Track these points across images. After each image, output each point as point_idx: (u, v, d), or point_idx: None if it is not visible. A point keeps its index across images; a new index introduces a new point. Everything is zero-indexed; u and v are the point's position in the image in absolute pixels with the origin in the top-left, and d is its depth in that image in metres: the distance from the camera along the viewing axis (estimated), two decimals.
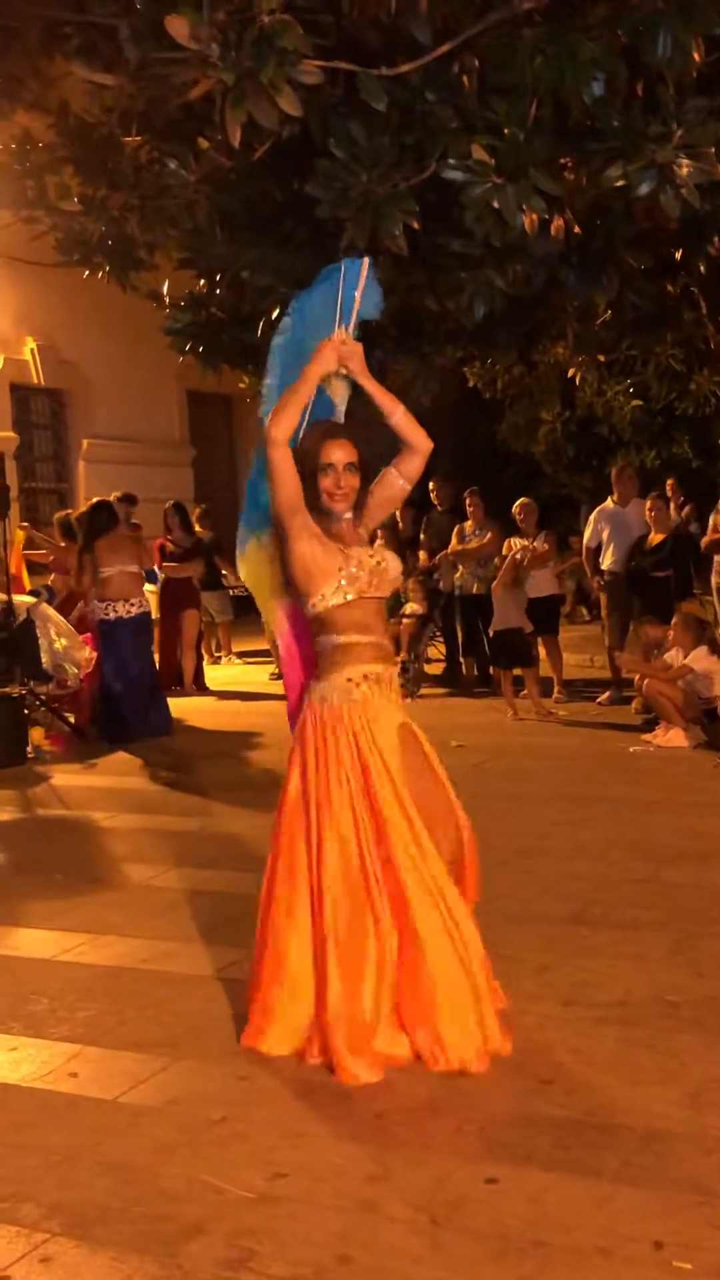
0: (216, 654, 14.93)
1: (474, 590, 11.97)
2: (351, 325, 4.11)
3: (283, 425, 3.90)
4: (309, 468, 3.98)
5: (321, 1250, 2.87)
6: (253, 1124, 3.53)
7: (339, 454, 3.97)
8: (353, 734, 3.92)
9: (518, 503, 11.44)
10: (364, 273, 4.19)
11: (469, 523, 12.13)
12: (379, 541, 4.29)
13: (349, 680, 3.95)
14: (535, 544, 10.99)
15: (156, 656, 11.42)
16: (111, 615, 10.15)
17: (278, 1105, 3.65)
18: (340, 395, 4.22)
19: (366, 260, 4.25)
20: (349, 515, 4.04)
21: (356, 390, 4.16)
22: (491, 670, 11.32)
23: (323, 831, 3.88)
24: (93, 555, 10.17)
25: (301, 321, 4.26)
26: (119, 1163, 3.34)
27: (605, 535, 11.09)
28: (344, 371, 4.08)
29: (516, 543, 11.11)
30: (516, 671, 10.57)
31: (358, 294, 4.13)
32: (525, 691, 10.52)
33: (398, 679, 4.17)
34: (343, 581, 3.91)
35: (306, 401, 3.99)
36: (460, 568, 12.11)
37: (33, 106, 8.58)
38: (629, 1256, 2.80)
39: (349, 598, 3.93)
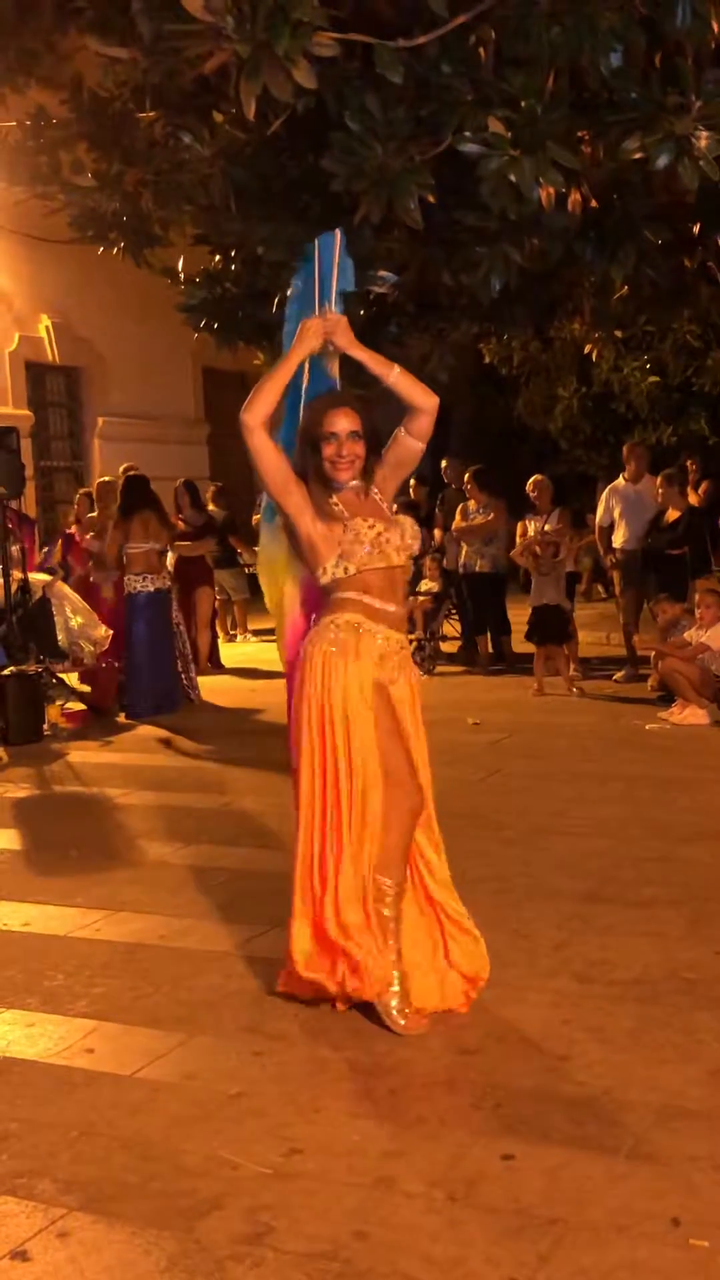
0: (232, 632, 14.93)
1: (478, 568, 11.93)
2: (331, 301, 4.12)
3: (255, 410, 3.92)
4: (312, 438, 3.97)
5: (338, 1226, 2.87)
6: (269, 1100, 3.53)
7: (342, 422, 3.95)
8: (320, 702, 3.94)
9: (532, 479, 11.39)
10: (337, 246, 4.21)
11: (471, 502, 12.09)
12: (393, 509, 4.21)
13: (333, 624, 3.97)
14: (548, 527, 10.95)
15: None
16: (138, 589, 10.22)
17: (293, 1081, 3.65)
18: (338, 371, 4.22)
19: (338, 232, 4.26)
20: (356, 483, 4.01)
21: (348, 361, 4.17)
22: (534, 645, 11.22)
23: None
24: (126, 527, 10.24)
25: (295, 309, 4.32)
26: (136, 1138, 3.34)
27: (617, 513, 11.04)
28: (332, 348, 4.06)
29: (531, 523, 11.07)
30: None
31: (335, 269, 4.16)
32: (559, 667, 10.52)
33: (405, 647, 4.15)
34: (340, 555, 3.91)
35: (282, 385, 4.00)
36: (464, 546, 12.08)
37: (46, 82, 8.55)
38: (646, 1233, 2.79)
39: (350, 571, 3.92)
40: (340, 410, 3.98)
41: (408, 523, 4.09)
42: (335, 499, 3.98)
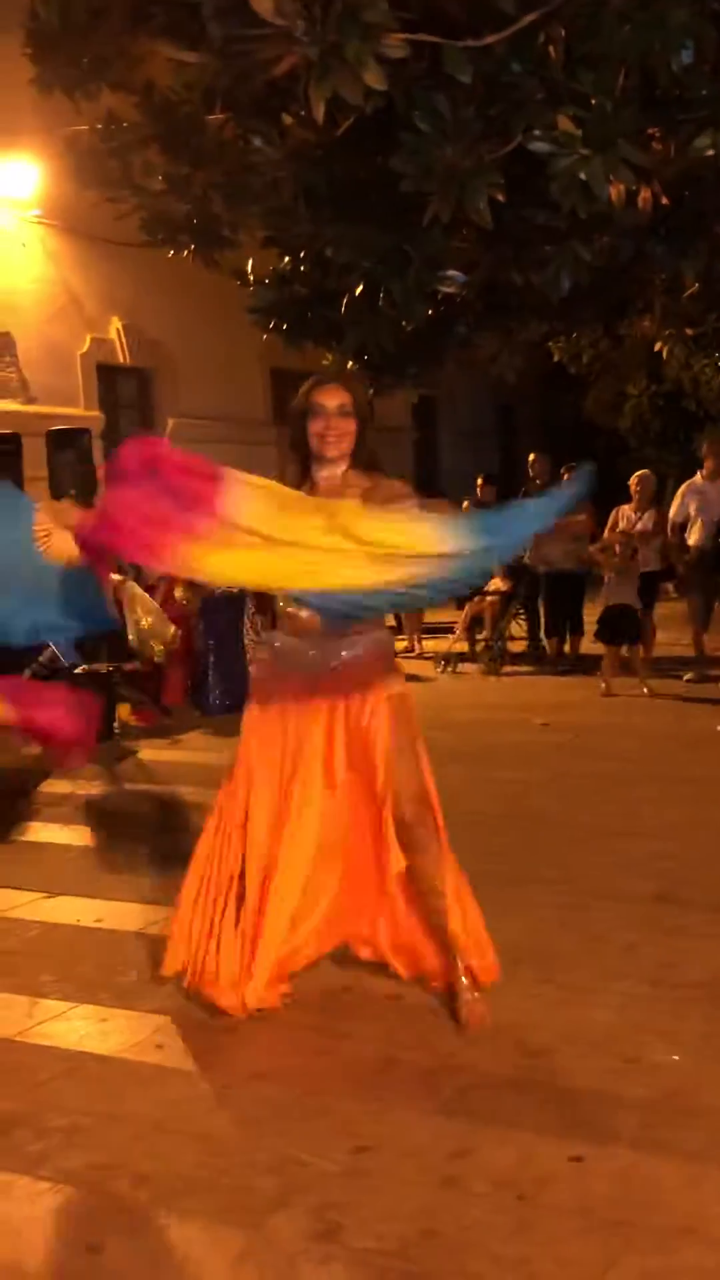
0: None
1: (565, 567, 11.87)
2: None
3: None
4: (300, 413, 3.92)
5: (406, 1224, 2.88)
6: (336, 1098, 3.54)
7: (330, 398, 3.88)
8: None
9: (636, 474, 11.30)
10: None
11: None
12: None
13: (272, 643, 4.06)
14: (642, 522, 10.88)
15: None
16: (214, 589, 10.32)
17: (360, 1080, 3.66)
18: None
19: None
20: (344, 468, 3.94)
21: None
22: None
23: None
24: None
25: None
26: (206, 1134, 3.37)
27: (692, 510, 10.97)
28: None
29: (625, 510, 11.00)
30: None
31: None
32: (634, 667, 10.47)
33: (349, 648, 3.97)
34: None
35: None
36: (550, 543, 12.00)
37: (118, 86, 8.62)
38: (716, 1237, 2.77)
39: None
40: (330, 386, 3.91)
41: None
42: (303, 489, 3.91)
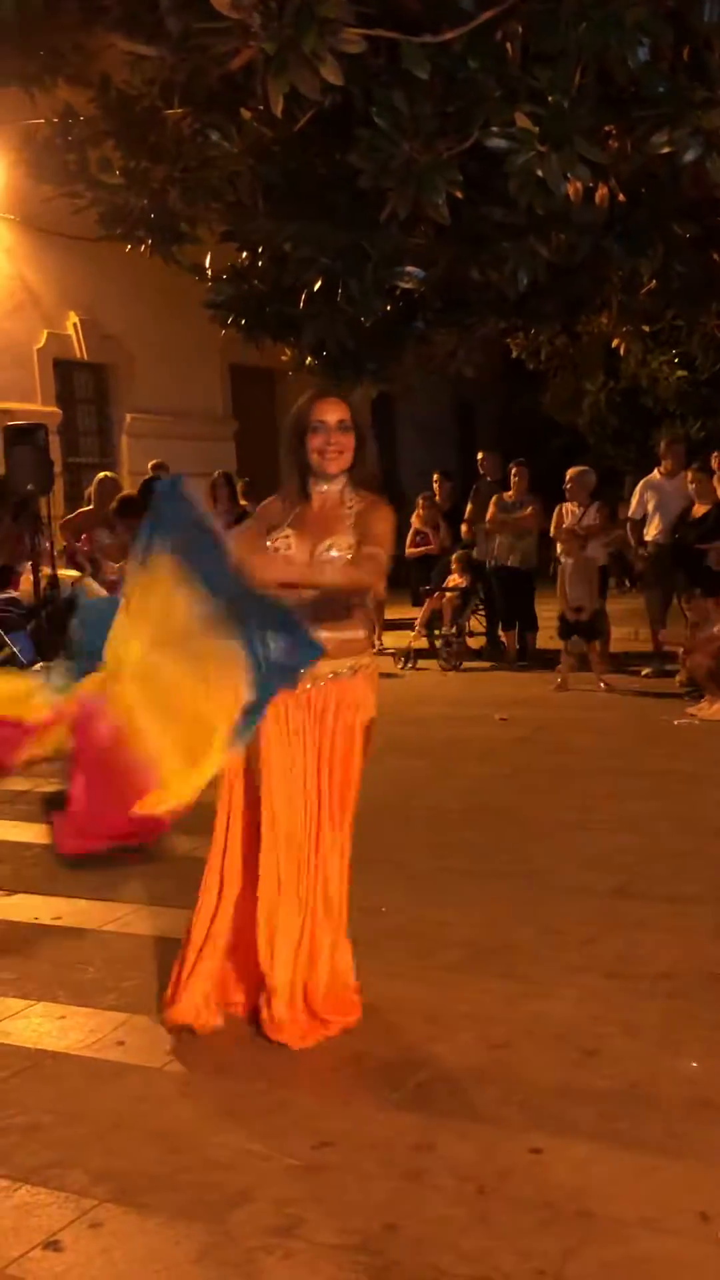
0: None
1: (510, 563, 11.93)
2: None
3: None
4: (300, 429, 3.87)
5: (368, 1219, 2.89)
6: (298, 1092, 3.55)
7: (332, 412, 3.85)
8: None
9: (570, 471, 11.34)
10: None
11: (510, 493, 12.08)
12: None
13: None
14: (588, 517, 10.93)
15: None
16: None
17: (322, 1075, 3.67)
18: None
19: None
20: (342, 485, 3.90)
21: None
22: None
23: None
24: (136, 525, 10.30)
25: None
26: (166, 1130, 3.37)
27: (650, 506, 11.04)
28: None
29: (569, 507, 11.03)
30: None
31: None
32: (591, 663, 10.53)
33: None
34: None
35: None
36: (497, 539, 12.07)
37: (74, 80, 8.58)
38: (674, 1228, 2.80)
39: None
40: (330, 400, 3.88)
41: (338, 545, 3.80)
42: (298, 506, 3.89)
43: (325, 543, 3.80)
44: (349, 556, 3.76)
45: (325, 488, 3.92)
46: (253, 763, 3.91)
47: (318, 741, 3.88)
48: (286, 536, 3.85)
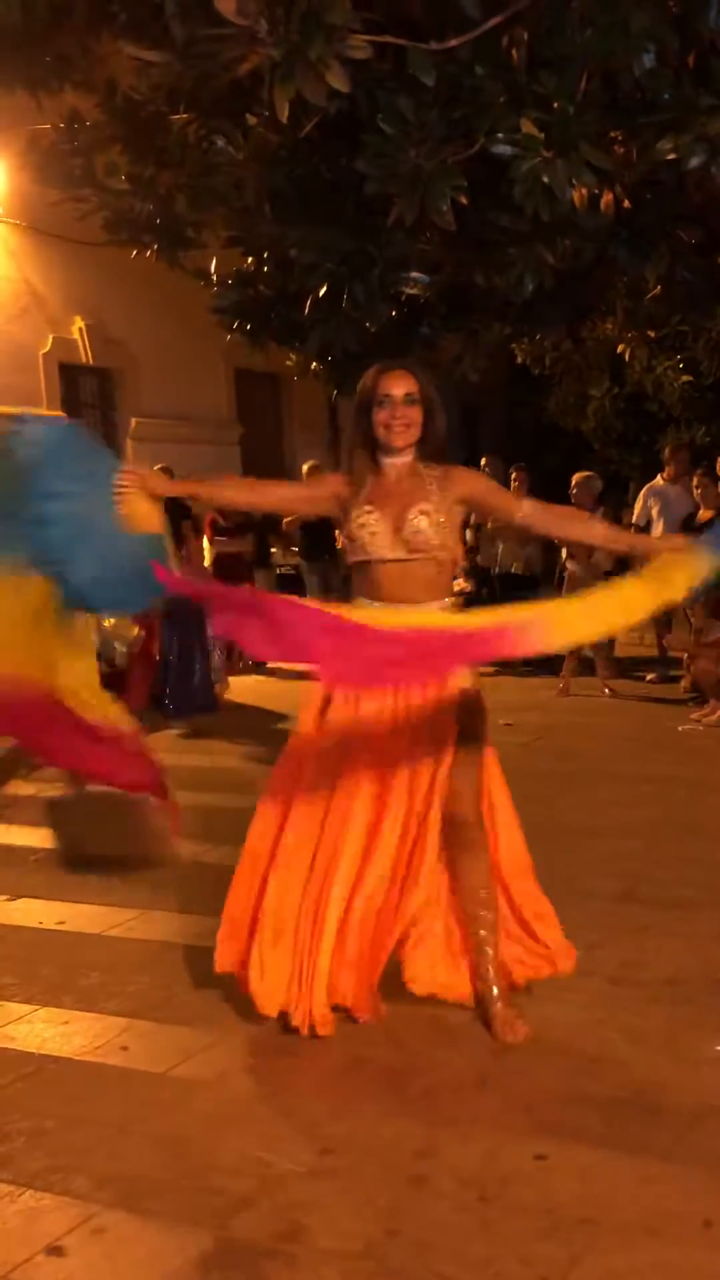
0: None
1: (514, 569, 11.93)
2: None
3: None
4: (365, 403, 3.82)
5: (371, 1224, 2.89)
6: (301, 1098, 3.55)
7: (398, 386, 3.78)
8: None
9: (576, 477, 11.33)
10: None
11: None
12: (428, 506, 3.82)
13: None
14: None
15: None
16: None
17: (326, 1080, 3.66)
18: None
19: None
20: (411, 458, 3.85)
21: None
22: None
23: None
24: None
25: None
26: (170, 1136, 3.37)
27: (655, 512, 11.03)
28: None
29: None
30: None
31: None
32: (596, 667, 10.53)
33: None
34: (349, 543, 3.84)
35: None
36: (501, 545, 12.07)
37: (80, 85, 8.59)
38: (678, 1235, 2.79)
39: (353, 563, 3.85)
40: (397, 373, 3.80)
41: (426, 512, 3.78)
42: (369, 480, 3.84)
43: (412, 511, 3.76)
44: (441, 520, 3.76)
45: (395, 460, 3.85)
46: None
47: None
48: (370, 511, 3.78)
